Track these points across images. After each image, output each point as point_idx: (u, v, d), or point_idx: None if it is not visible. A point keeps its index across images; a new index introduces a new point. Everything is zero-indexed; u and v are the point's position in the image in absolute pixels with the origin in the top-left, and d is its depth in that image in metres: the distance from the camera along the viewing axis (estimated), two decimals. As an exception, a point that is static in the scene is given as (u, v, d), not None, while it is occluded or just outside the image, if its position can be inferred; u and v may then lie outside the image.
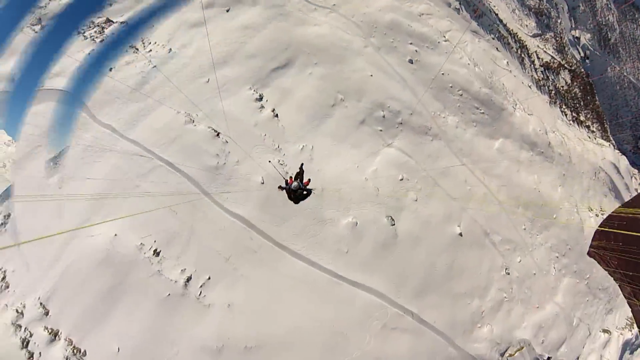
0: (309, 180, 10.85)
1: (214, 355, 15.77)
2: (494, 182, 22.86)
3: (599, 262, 13.82)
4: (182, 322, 15.76)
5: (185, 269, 16.81)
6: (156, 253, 17.02)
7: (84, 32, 20.80)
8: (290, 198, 10.12)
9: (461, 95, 23.43)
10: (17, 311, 16.81)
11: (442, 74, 22.84)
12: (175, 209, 17.77)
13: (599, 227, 13.73)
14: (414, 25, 24.12)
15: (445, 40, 24.88)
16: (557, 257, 20.63)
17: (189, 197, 18.10)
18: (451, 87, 23.26)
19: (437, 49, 24.12)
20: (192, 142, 18.43)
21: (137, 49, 20.14)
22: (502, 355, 18.74)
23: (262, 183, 18.47)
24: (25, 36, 20.85)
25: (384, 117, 21.17)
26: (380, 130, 21.03)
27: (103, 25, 21.00)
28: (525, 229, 22.14)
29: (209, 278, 16.92)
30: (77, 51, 20.43)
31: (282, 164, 18.70)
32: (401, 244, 18.88)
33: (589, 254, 14.25)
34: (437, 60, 23.37)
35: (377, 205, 19.56)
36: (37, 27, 21.08)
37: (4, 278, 17.99)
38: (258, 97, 19.27)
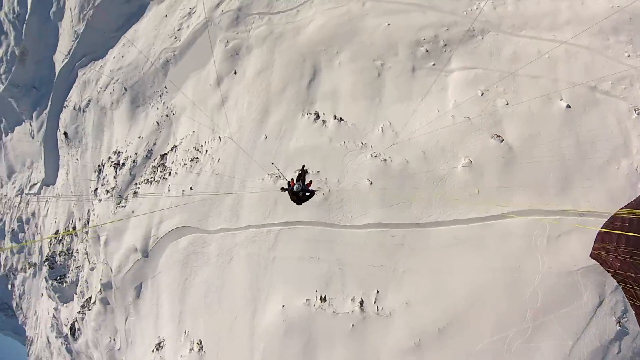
0: (311, 181, 10.92)
1: (416, 352, 15.79)
2: (566, 31, 20.31)
3: (601, 264, 13.09)
4: (375, 341, 15.99)
5: (354, 297, 16.94)
6: (323, 299, 17.38)
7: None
8: (293, 199, 10.12)
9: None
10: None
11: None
12: (316, 254, 18.14)
13: (601, 228, 13.10)
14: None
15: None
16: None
17: (321, 238, 18.38)
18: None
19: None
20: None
21: (198, 158, 20.97)
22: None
23: (371, 183, 18.10)
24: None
25: (427, 51, 19.81)
26: (434, 65, 19.69)
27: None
28: (628, 54, 19.39)
29: (378, 291, 16.89)
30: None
31: (376, 157, 18.16)
32: (520, 153, 17.42)
33: (591, 255, 13.39)
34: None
35: (477, 133, 18.26)
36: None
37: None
38: (314, 116, 18.98)
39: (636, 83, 18.23)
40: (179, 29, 24.10)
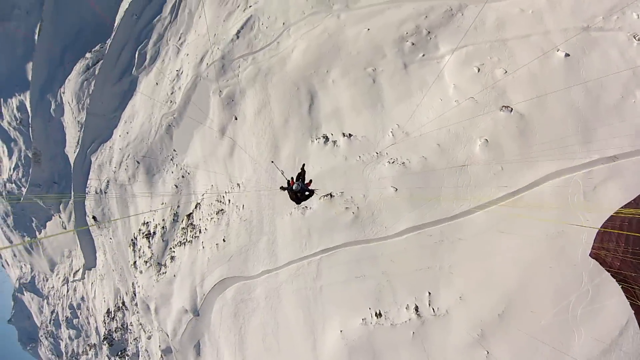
0: (311, 181, 10.84)
1: (481, 341, 15.30)
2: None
3: (601, 264, 13.26)
4: (438, 342, 15.73)
5: (407, 305, 16.69)
6: (378, 315, 17.15)
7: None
8: (292, 198, 10.10)
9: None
10: None
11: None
12: (361, 273, 17.96)
13: (600, 228, 13.33)
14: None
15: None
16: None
17: (362, 256, 18.21)
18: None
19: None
20: (321, 222, 18.68)
21: (223, 210, 21.30)
22: None
23: (396, 190, 17.86)
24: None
25: (413, 44, 19.67)
26: (423, 55, 19.50)
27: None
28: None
29: (430, 293, 16.55)
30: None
31: (394, 162, 17.96)
32: (532, 117, 16.84)
33: (591, 255, 13.57)
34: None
35: (485, 110, 17.81)
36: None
37: None
38: (324, 139, 19.01)
39: (627, 10, 17.43)
40: (172, 93, 24.96)
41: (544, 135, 16.30)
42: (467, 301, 15.53)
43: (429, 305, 16.21)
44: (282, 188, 10.40)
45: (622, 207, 13.56)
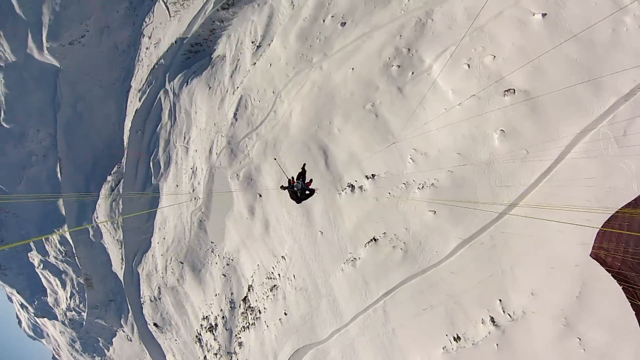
0: (311, 180, 10.89)
1: (570, 330, 14.02)
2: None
3: (601, 264, 13.16)
4: (526, 346, 14.86)
5: (482, 319, 15.91)
6: (457, 339, 16.47)
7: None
8: (292, 197, 10.07)
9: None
10: None
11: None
12: (427, 303, 17.26)
13: (601, 227, 13.10)
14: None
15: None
16: None
17: (423, 287, 17.62)
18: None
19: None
20: (374, 268, 18.40)
21: (276, 285, 21.29)
22: None
23: (434, 212, 17.48)
24: None
25: (398, 66, 19.95)
26: (412, 73, 19.67)
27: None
28: None
29: (500, 300, 15.78)
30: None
31: (423, 187, 17.68)
32: (536, 90, 16.18)
33: (591, 255, 13.49)
34: None
35: (490, 101, 17.40)
36: None
37: None
38: (350, 188, 19.10)
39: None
40: (193, 190, 26.11)
41: (555, 102, 15.56)
42: (539, 295, 14.62)
43: (504, 312, 15.38)
44: (283, 187, 10.45)
45: (622, 207, 13.33)
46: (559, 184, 15.54)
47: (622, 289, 12.46)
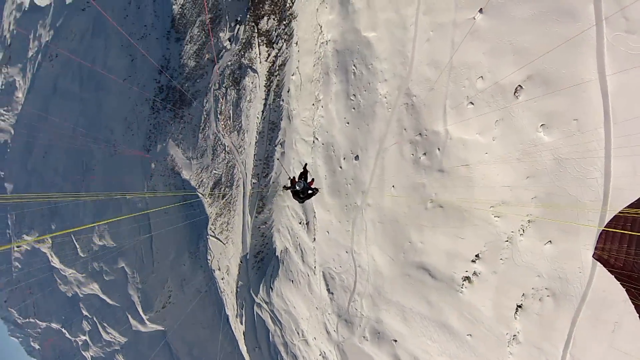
0: (313, 179, 11.11)
1: None
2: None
3: (603, 264, 14.14)
4: None
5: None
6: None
7: None
8: (295, 197, 10.24)
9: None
10: None
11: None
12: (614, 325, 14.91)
13: (604, 227, 14.19)
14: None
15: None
16: None
17: (595, 306, 15.37)
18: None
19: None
20: (537, 325, 16.54)
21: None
22: None
23: (550, 242, 16.25)
24: None
25: (425, 154, 21.46)
26: (439, 149, 20.31)
27: None
28: None
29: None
30: None
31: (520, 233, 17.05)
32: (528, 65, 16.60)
33: (594, 256, 14.46)
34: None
35: (511, 113, 17.33)
36: None
37: None
38: (470, 274, 18.73)
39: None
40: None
41: (554, 59, 15.78)
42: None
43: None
44: (285, 187, 10.50)
45: (626, 207, 13.40)
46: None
47: (626, 290, 12.65)
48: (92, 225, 42.61)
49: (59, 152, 47.21)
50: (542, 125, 17.07)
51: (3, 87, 66.13)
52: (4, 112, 66.81)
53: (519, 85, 18.43)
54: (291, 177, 11.11)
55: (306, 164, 13.07)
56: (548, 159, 16.65)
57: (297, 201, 12.82)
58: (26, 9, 62.81)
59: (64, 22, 46.35)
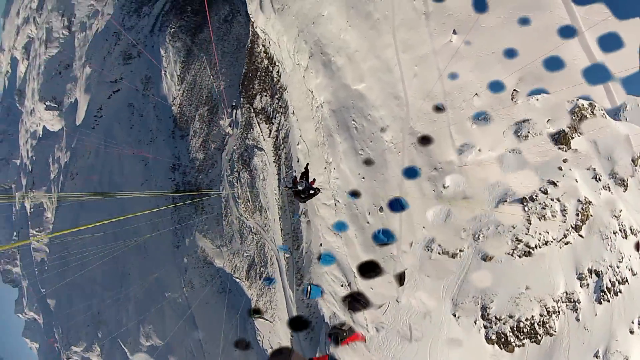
0: (314, 179, 11.22)
1: None
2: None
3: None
4: None
5: None
6: None
7: None
8: (296, 197, 10.42)
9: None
10: None
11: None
12: None
13: None
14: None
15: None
16: None
17: None
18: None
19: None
20: None
21: None
22: None
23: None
24: None
25: (445, 186, 21.59)
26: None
27: None
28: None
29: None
30: None
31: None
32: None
33: None
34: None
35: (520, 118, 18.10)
36: None
37: None
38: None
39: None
40: None
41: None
42: None
43: None
44: (287, 187, 10.54)
45: None
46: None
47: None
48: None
49: (93, 263, 48.86)
50: (549, 120, 17.17)
51: (32, 210, 70.43)
52: (36, 233, 70.57)
53: (514, 90, 18.87)
54: (292, 177, 12.45)
55: (307, 164, 13.18)
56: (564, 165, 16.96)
57: (299, 200, 13.55)
58: (40, 135, 68.54)
59: (78, 142, 50.22)
